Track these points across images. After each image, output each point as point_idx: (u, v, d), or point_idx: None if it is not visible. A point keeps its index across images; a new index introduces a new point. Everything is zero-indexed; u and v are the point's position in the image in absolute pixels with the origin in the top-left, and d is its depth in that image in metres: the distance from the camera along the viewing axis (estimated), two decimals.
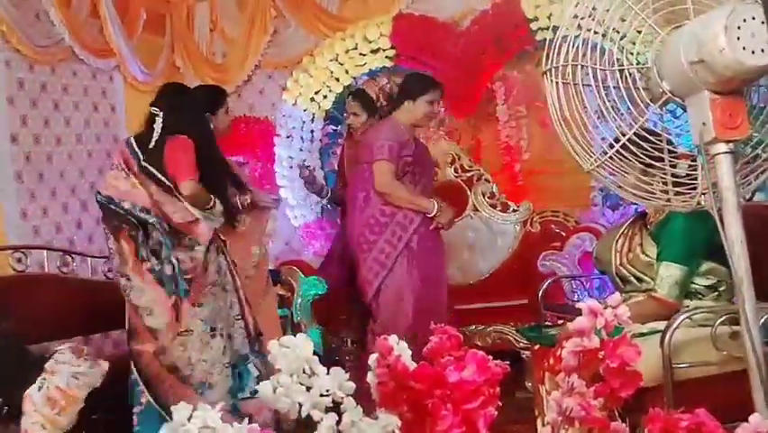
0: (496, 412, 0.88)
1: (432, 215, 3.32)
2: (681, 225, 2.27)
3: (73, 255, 3.86)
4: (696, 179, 1.58)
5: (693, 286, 2.31)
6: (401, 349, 1.27)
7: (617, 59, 1.67)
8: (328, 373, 1.28)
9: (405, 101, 3.40)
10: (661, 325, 2.16)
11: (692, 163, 1.70)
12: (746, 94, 1.63)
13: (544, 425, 2.58)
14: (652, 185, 1.64)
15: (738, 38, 1.36)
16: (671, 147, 1.73)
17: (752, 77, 1.43)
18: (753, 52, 1.36)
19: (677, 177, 1.68)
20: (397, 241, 3.32)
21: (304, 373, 1.26)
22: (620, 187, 1.67)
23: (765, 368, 1.46)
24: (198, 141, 2.97)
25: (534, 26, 4.24)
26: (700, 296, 2.32)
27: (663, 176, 1.63)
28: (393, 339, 1.31)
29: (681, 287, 2.26)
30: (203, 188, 2.90)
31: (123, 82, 4.80)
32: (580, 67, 1.64)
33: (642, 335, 2.13)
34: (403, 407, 0.82)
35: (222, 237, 3.05)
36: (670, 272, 2.26)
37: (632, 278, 2.44)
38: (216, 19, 5.26)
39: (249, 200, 3.24)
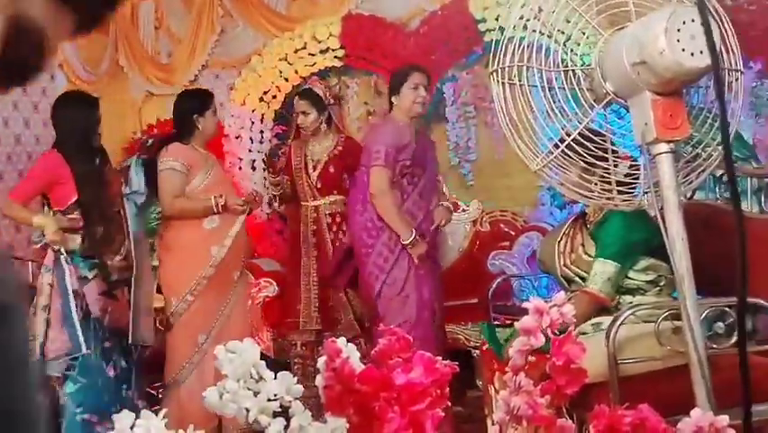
0: (443, 413, 0.88)
1: (405, 242, 3.32)
2: (618, 223, 2.32)
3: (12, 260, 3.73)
4: (637, 178, 1.61)
5: (635, 282, 2.36)
6: (349, 351, 1.27)
7: (563, 60, 1.70)
8: (276, 378, 1.27)
9: (392, 97, 3.42)
10: (605, 322, 2.21)
11: (633, 163, 1.74)
12: (687, 95, 1.68)
13: (493, 424, 2.61)
14: (596, 184, 1.67)
15: (678, 40, 1.39)
16: (614, 147, 1.76)
17: (691, 78, 1.47)
18: (692, 54, 1.39)
19: (620, 176, 1.72)
20: (394, 245, 3.32)
21: (251, 378, 1.25)
22: (564, 185, 1.69)
23: (707, 363, 1.50)
24: (69, 154, 3.09)
25: (482, 27, 4.27)
26: (642, 291, 2.37)
27: (607, 175, 1.66)
28: (341, 341, 1.30)
29: (613, 283, 2.31)
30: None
31: (66, 81, 4.67)
32: (526, 68, 1.65)
33: (584, 333, 2.16)
34: (350, 410, 0.81)
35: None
36: (604, 269, 2.30)
37: (576, 278, 2.48)
38: (162, 17, 5.16)
39: (224, 202, 3.31)
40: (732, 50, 1.63)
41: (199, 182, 3.39)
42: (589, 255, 2.44)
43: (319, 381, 1.22)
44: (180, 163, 3.34)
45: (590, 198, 1.69)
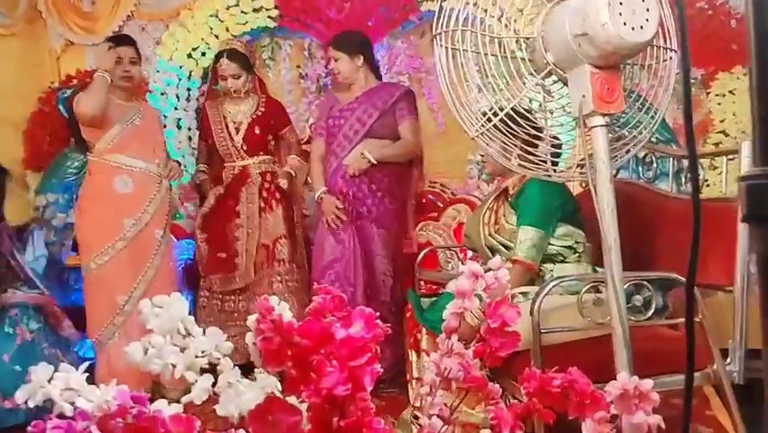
0: (381, 369, 0.87)
1: (316, 198, 3.45)
2: (535, 191, 2.39)
3: None
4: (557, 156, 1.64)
5: (554, 248, 2.44)
6: (281, 309, 1.24)
7: (505, 29, 1.70)
8: (204, 334, 1.23)
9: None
10: (527, 289, 2.27)
11: (555, 141, 1.77)
12: (623, 73, 1.71)
13: (413, 388, 2.65)
14: (535, 155, 1.69)
15: (620, 13, 1.41)
16: (551, 119, 1.78)
17: (631, 52, 1.49)
18: (633, 29, 1.41)
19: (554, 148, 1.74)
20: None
21: (178, 333, 1.20)
22: (503, 156, 1.70)
23: (628, 333, 1.54)
24: None
25: None
26: (562, 257, 2.45)
27: (543, 146, 1.68)
28: (274, 299, 1.27)
29: (538, 249, 2.38)
30: None
31: None
32: (470, 32, 1.64)
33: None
34: (287, 363, 0.79)
35: None
36: (527, 236, 2.37)
37: (501, 247, 2.54)
38: None
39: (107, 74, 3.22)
40: (668, 29, 1.66)
41: (114, 134, 3.29)
42: (511, 224, 2.51)
43: (250, 337, 1.19)
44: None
45: (526, 169, 1.70)
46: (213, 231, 3.67)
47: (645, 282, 2.00)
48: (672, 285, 2.19)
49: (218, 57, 3.69)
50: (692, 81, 3.93)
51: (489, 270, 1.32)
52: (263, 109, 3.70)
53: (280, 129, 3.75)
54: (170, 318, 1.19)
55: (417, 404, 2.61)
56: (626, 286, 1.94)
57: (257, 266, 3.59)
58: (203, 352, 1.19)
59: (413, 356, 2.66)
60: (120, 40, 3.40)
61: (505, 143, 1.73)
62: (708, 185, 3.15)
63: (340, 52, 3.48)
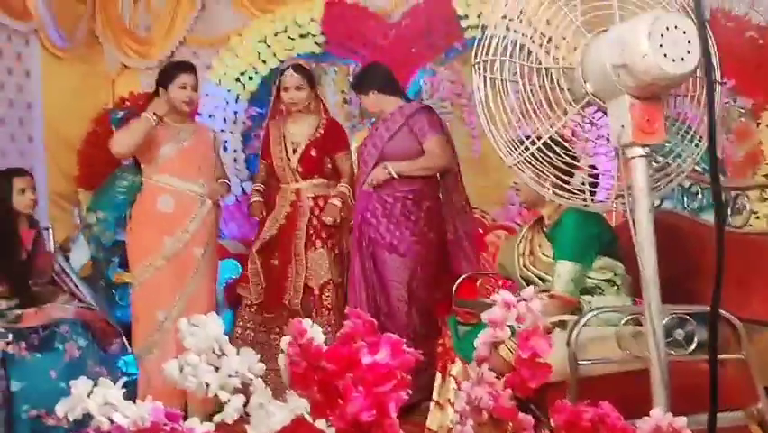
0: (407, 396, 0.87)
1: None
2: (571, 223, 2.36)
3: None
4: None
5: (592, 281, 2.40)
6: (314, 333, 1.26)
7: (539, 61, 1.70)
8: (238, 354, 1.25)
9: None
10: (566, 317, 2.24)
11: (592, 171, 1.75)
12: (664, 102, 1.69)
13: (441, 411, 2.63)
14: (570, 184, 1.68)
15: (661, 45, 1.40)
16: (589, 148, 1.77)
17: (671, 83, 1.48)
18: (673, 60, 1.40)
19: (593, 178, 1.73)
20: None
21: (213, 352, 1.23)
22: (540, 184, 1.70)
23: (666, 367, 1.51)
24: None
25: (464, 24, 4.28)
26: (600, 290, 2.41)
27: (581, 176, 1.67)
28: (307, 322, 1.28)
29: (576, 283, 2.34)
30: None
31: (41, 47, 4.58)
32: (508, 62, 1.65)
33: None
34: (313, 388, 0.80)
35: None
36: (565, 269, 2.34)
37: (536, 279, 2.51)
38: None
39: (153, 115, 3.26)
40: (712, 60, 1.65)
41: (164, 154, 3.36)
42: (546, 256, 2.47)
43: (281, 359, 1.20)
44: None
45: (569, 200, 1.69)
46: (267, 261, 3.62)
47: (688, 316, 1.96)
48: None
49: (283, 70, 3.65)
50: (742, 111, 3.86)
51: (522, 300, 1.32)
52: (323, 131, 3.62)
53: (336, 153, 3.65)
54: (206, 338, 1.21)
55: (434, 427, 2.60)
56: (666, 319, 1.91)
57: (303, 309, 3.47)
58: (236, 372, 1.21)
59: (438, 379, 2.64)
60: (185, 67, 3.47)
61: (541, 172, 1.73)
62: (757, 217, 3.09)
63: (360, 93, 3.55)
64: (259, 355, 1.24)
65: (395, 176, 3.35)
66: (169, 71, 3.43)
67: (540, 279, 2.49)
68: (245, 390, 1.23)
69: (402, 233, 3.40)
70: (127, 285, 3.46)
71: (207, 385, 1.17)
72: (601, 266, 2.39)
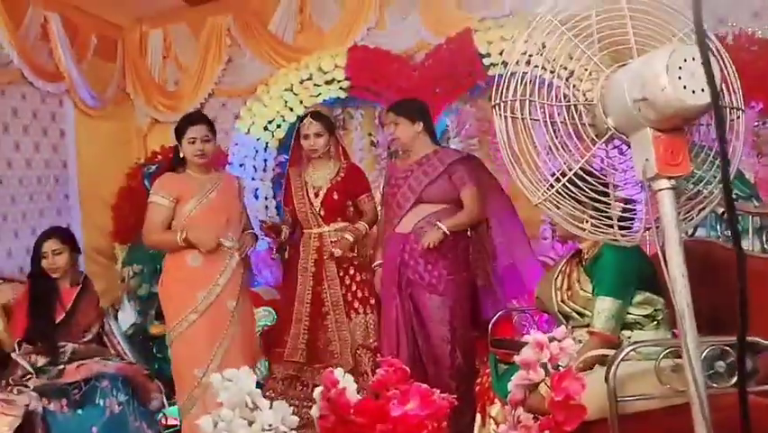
0: None
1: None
2: (611, 258, 2.33)
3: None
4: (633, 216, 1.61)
5: (632, 317, 2.36)
6: (346, 382, 1.26)
7: (565, 96, 1.71)
8: (271, 407, 1.25)
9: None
10: (606, 352, 2.20)
11: (626, 206, 1.74)
12: (688, 132, 1.68)
13: None
14: (596, 219, 1.67)
15: (679, 77, 1.40)
16: (616, 182, 1.76)
17: (692, 115, 1.47)
18: (693, 92, 1.39)
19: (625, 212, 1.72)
20: None
21: (246, 406, 1.23)
22: (567, 221, 1.69)
23: (707, 401, 1.48)
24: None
25: (486, 62, 4.31)
26: (640, 326, 2.37)
27: (608, 210, 1.66)
28: (338, 372, 1.29)
29: (616, 319, 2.31)
30: None
31: (74, 107, 4.73)
32: (528, 102, 1.66)
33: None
34: None
35: None
36: (605, 306, 2.31)
37: (574, 314, 2.48)
38: (170, 46, 5.25)
39: (184, 236, 3.26)
40: (733, 88, 1.63)
41: (189, 210, 3.34)
42: (585, 291, 2.44)
43: (315, 411, 1.21)
44: (162, 196, 3.33)
45: (596, 235, 1.68)
46: (313, 318, 3.60)
47: (728, 347, 1.91)
48: (761, 349, 2.08)
49: (302, 118, 3.71)
50: None
51: (554, 339, 1.31)
52: (343, 175, 3.66)
53: (358, 195, 3.69)
54: (239, 391, 1.22)
55: None
56: (706, 351, 1.87)
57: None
58: (270, 425, 1.21)
59: (478, 420, 2.60)
60: (193, 119, 3.44)
61: (572, 207, 1.72)
62: None
63: (401, 117, 3.45)
64: (292, 408, 1.24)
65: (447, 233, 3.37)
66: (180, 126, 3.42)
67: (578, 313, 2.46)
68: None
69: (440, 272, 3.39)
70: (164, 338, 3.48)
71: None
72: (641, 301, 2.37)
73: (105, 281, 4.71)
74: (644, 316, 2.37)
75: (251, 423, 1.23)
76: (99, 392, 3.05)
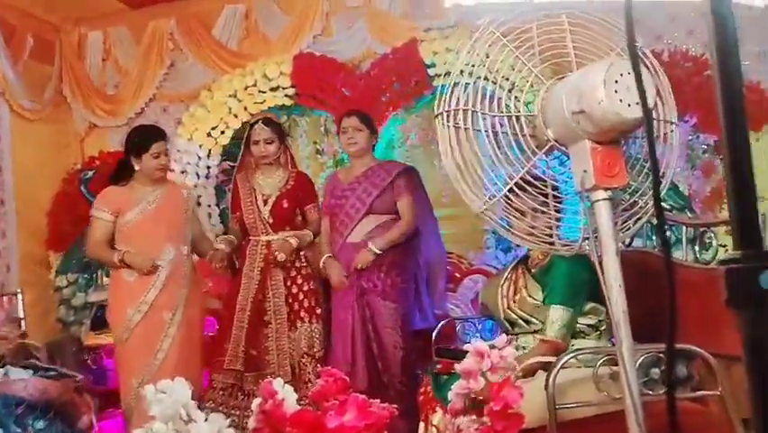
0: None
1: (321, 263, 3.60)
2: (563, 268, 2.37)
3: None
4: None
5: (578, 326, 2.40)
6: (286, 393, 1.23)
7: (507, 107, 1.73)
8: (206, 420, 1.22)
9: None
10: (549, 359, 2.22)
11: (559, 215, 1.78)
12: (624, 144, 1.73)
13: None
14: (538, 228, 1.69)
15: (616, 91, 1.44)
16: (555, 193, 1.79)
17: (628, 128, 1.51)
18: (629, 105, 1.43)
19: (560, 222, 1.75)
20: None
21: (180, 419, 1.20)
22: (508, 230, 1.71)
23: (641, 409, 1.51)
24: None
25: (431, 72, 4.35)
26: (584, 335, 2.42)
27: (548, 220, 1.69)
28: (278, 382, 1.26)
29: (568, 328, 2.36)
30: None
31: (9, 110, 4.56)
32: (471, 112, 1.68)
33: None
34: None
35: None
36: (557, 315, 2.35)
37: (520, 320, 2.51)
38: (110, 49, 5.11)
39: (120, 257, 3.28)
40: (667, 102, 1.69)
41: (128, 221, 3.35)
42: (533, 298, 2.47)
43: (251, 423, 1.18)
44: (104, 211, 3.36)
45: (531, 243, 1.71)
46: (252, 324, 3.53)
47: (662, 355, 1.96)
48: (694, 357, 2.14)
49: (253, 124, 3.69)
50: (705, 147, 3.93)
51: (494, 348, 1.31)
52: (293, 183, 3.66)
53: (306, 204, 3.70)
54: (173, 403, 1.19)
55: None
56: (641, 359, 1.91)
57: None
58: None
59: (421, 429, 2.61)
60: (157, 135, 3.44)
61: (513, 217, 1.74)
62: (726, 251, 3.12)
63: (363, 125, 3.58)
64: (231, 419, 1.21)
65: (378, 253, 3.44)
66: (142, 141, 3.39)
67: (524, 320, 2.49)
68: None
69: (393, 280, 3.47)
70: (99, 348, 3.39)
71: None
72: (588, 311, 2.41)
73: (39, 290, 4.55)
74: (588, 325, 2.41)
75: None
76: (15, 421, 2.78)
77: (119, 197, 3.38)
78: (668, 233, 2.60)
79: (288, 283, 3.54)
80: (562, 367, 1.99)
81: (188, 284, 3.44)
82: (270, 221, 3.59)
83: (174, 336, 3.33)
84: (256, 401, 1.17)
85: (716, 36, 0.74)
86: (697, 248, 2.48)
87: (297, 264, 3.59)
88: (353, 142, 3.56)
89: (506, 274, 2.66)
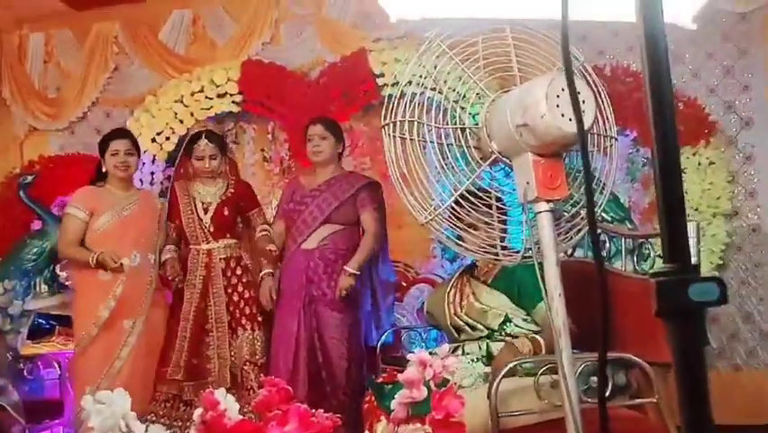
0: None
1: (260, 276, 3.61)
2: (528, 270, 2.39)
3: None
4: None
5: (521, 330, 2.43)
6: (228, 403, 1.22)
7: (453, 118, 1.76)
8: (147, 431, 1.20)
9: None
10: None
11: (503, 226, 1.80)
12: (566, 157, 1.77)
13: None
14: (482, 239, 1.72)
15: (558, 105, 1.47)
16: (499, 204, 1.83)
17: (569, 141, 1.55)
18: (570, 120, 1.47)
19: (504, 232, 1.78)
20: None
21: (120, 431, 1.18)
22: (452, 240, 1.73)
23: (579, 417, 1.54)
24: None
25: (380, 81, 4.37)
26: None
27: (491, 231, 1.71)
28: (220, 393, 1.25)
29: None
30: None
31: None
32: (417, 123, 1.70)
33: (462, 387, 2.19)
34: None
35: None
36: (543, 312, 2.35)
37: (466, 327, 2.54)
38: (52, 51, 5.00)
39: (97, 258, 3.27)
40: (607, 117, 1.74)
41: (101, 224, 3.39)
42: (482, 303, 2.50)
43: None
44: (78, 209, 3.40)
45: (475, 253, 1.73)
46: (193, 334, 3.47)
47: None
48: (633, 365, 2.20)
49: (195, 137, 3.64)
50: (644, 161, 4.06)
51: (437, 356, 1.33)
52: (233, 190, 3.65)
53: (248, 210, 3.69)
54: (112, 415, 1.16)
55: None
56: (581, 367, 1.96)
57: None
58: None
59: None
60: (116, 134, 3.55)
61: (454, 227, 1.77)
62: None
63: (329, 133, 3.58)
64: (173, 430, 1.19)
65: (357, 274, 3.47)
66: (103, 140, 3.52)
67: (470, 326, 2.51)
68: None
69: None
70: (36, 358, 3.29)
71: None
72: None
73: None
74: (535, 332, 2.44)
75: None
76: None
77: (95, 196, 3.45)
78: (607, 243, 2.67)
79: (230, 291, 3.52)
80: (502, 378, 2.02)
81: (151, 293, 3.43)
82: (211, 229, 3.57)
83: (133, 345, 3.33)
84: (197, 412, 1.15)
85: (647, 55, 0.77)
86: (636, 259, 2.54)
87: (239, 272, 3.57)
88: (318, 151, 3.56)
89: (452, 282, 2.69)
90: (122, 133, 3.60)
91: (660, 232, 0.73)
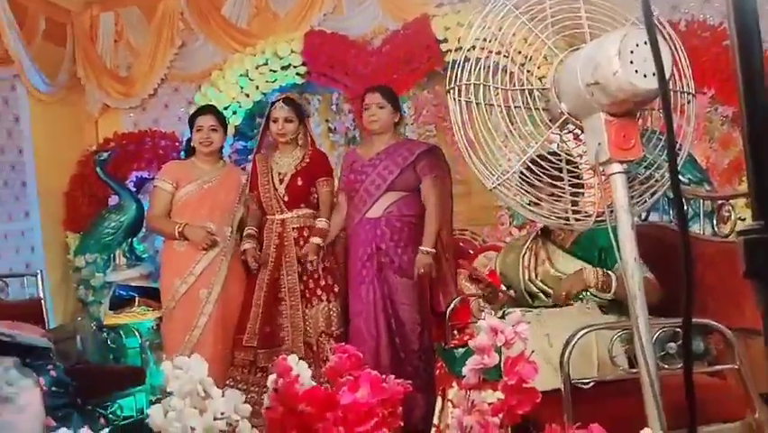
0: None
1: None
2: (606, 232, 2.33)
3: None
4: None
5: (598, 300, 2.37)
6: (300, 369, 1.24)
7: (520, 80, 1.71)
8: (223, 396, 1.23)
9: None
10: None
11: (576, 190, 1.75)
12: (640, 117, 1.70)
13: None
14: (552, 204, 1.68)
15: (631, 62, 1.41)
16: (570, 167, 1.77)
17: (644, 99, 1.48)
18: (645, 76, 1.41)
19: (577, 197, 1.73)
20: None
21: (197, 395, 1.21)
22: (522, 205, 1.70)
23: (657, 383, 1.50)
24: None
25: (443, 47, 4.30)
26: (604, 310, 2.38)
27: (562, 195, 1.67)
28: (293, 359, 1.27)
29: None
30: None
31: (26, 92, 4.59)
32: (482, 86, 1.66)
33: None
34: (293, 432, 0.78)
35: None
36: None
37: (540, 294, 2.48)
38: (122, 30, 5.12)
39: (181, 229, 3.45)
40: (684, 73, 1.66)
41: (180, 195, 3.55)
42: (557, 271, 2.44)
43: (266, 401, 1.19)
44: (165, 181, 3.58)
45: (547, 219, 1.69)
46: (267, 303, 3.55)
47: (679, 329, 1.94)
48: (711, 331, 2.13)
49: (273, 103, 3.72)
50: (723, 119, 3.87)
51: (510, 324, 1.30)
52: (308, 161, 3.67)
53: (319, 177, 3.69)
54: (190, 380, 1.19)
55: None
56: (658, 333, 1.90)
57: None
58: (222, 414, 1.19)
59: (438, 403, 2.61)
60: (201, 110, 3.73)
61: (525, 193, 1.73)
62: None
63: (386, 101, 3.56)
64: (251, 396, 1.22)
65: (433, 252, 3.50)
66: (191, 116, 3.70)
67: (545, 293, 2.46)
68: (232, 431, 1.21)
69: (410, 256, 3.49)
70: (118, 328, 3.44)
71: (192, 429, 1.15)
72: None
73: (61, 270, 4.62)
74: (609, 300, 2.38)
75: (202, 412, 1.20)
76: None
77: (181, 169, 3.62)
78: (685, 206, 2.57)
79: (303, 261, 3.55)
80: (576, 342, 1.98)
81: (228, 264, 3.56)
82: (286, 199, 3.61)
83: (210, 313, 3.46)
84: (271, 378, 1.17)
85: (734, 5, 0.72)
86: (714, 222, 2.44)
87: (302, 242, 3.61)
88: (375, 120, 3.55)
89: (527, 245, 2.62)
90: (206, 109, 3.75)
91: (748, 190, 0.69)
